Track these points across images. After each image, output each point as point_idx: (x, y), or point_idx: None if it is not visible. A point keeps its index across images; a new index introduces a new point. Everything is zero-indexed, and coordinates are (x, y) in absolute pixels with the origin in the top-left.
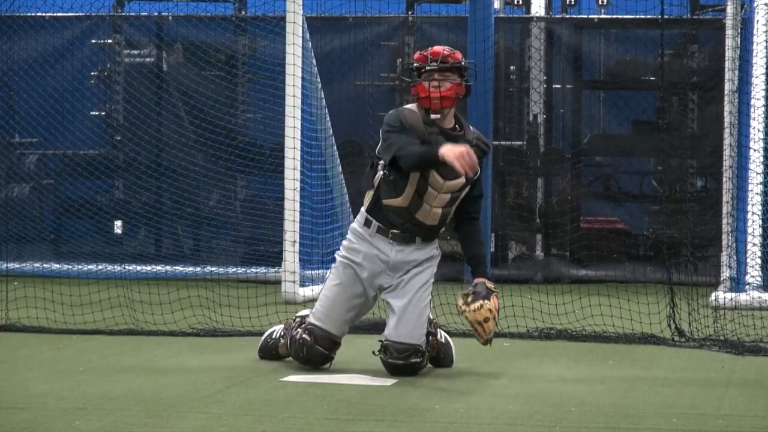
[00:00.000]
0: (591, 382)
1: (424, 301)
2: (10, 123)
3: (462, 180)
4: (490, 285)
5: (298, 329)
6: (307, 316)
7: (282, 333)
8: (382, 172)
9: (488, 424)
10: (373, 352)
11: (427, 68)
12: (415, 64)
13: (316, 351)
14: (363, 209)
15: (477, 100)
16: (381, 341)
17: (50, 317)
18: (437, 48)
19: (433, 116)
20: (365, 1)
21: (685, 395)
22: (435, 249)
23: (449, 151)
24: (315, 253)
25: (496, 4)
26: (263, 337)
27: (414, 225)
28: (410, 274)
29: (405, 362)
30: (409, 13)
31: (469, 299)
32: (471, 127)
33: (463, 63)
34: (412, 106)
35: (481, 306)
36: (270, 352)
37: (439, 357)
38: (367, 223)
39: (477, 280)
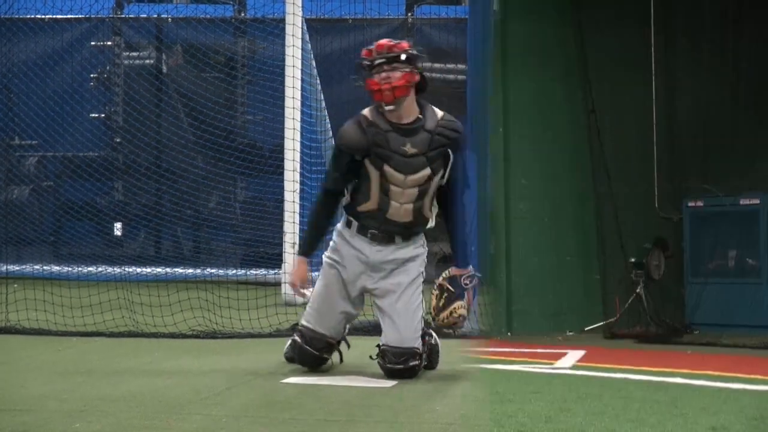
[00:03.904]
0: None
1: (415, 302)
2: (9, 125)
3: (426, 172)
4: (466, 276)
5: (294, 332)
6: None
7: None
8: None
9: (488, 425)
10: (371, 357)
11: (376, 62)
12: (364, 61)
13: (306, 352)
14: (343, 210)
15: (477, 100)
16: (378, 346)
17: (50, 319)
18: (382, 41)
19: (387, 108)
20: (365, 3)
21: None
22: (419, 247)
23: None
24: (315, 254)
25: (496, 6)
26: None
27: (390, 224)
28: (394, 274)
29: (404, 366)
30: (409, 14)
31: (442, 302)
32: (439, 114)
33: (410, 51)
34: (367, 110)
35: (452, 313)
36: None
37: (429, 358)
38: (348, 224)
39: (453, 272)
